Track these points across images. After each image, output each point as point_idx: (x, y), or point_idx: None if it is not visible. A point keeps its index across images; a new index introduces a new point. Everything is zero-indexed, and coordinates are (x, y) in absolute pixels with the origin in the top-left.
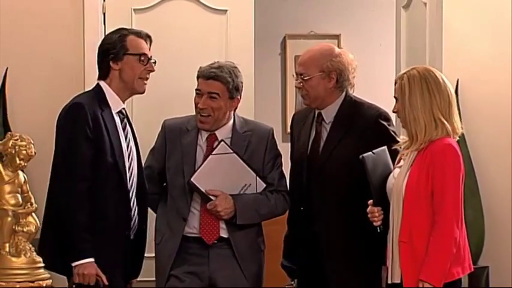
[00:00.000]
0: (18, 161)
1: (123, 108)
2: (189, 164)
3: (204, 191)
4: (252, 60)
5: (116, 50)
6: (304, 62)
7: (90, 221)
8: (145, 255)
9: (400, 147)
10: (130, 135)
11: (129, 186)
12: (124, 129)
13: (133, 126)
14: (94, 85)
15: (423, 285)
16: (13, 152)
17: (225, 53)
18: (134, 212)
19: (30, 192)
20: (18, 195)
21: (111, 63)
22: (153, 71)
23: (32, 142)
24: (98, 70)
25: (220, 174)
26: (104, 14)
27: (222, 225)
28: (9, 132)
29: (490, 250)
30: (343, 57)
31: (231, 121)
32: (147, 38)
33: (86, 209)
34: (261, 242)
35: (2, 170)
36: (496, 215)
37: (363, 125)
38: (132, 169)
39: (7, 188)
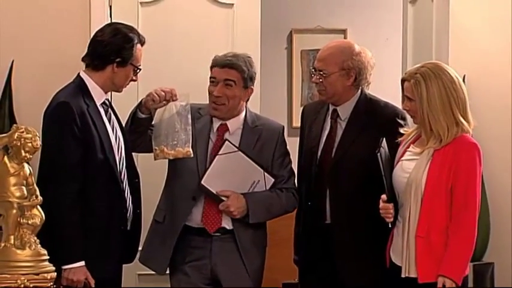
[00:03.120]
0: (23, 153)
1: (106, 99)
2: (201, 148)
3: (215, 192)
4: (258, 54)
5: (126, 56)
6: (324, 58)
7: (82, 222)
8: None
9: (406, 140)
10: (116, 125)
11: (121, 178)
12: (109, 120)
13: (117, 114)
14: (75, 76)
15: (444, 280)
16: (19, 144)
17: (231, 46)
18: (129, 202)
19: (35, 185)
20: (24, 188)
21: (114, 65)
22: (135, 80)
23: (38, 135)
24: (91, 58)
25: (229, 173)
26: (111, 6)
27: (226, 216)
28: (15, 125)
29: (496, 246)
30: (363, 55)
31: (243, 113)
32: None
33: (78, 210)
34: (264, 238)
35: (7, 162)
36: (502, 210)
37: (380, 123)
38: (122, 159)
39: (12, 180)
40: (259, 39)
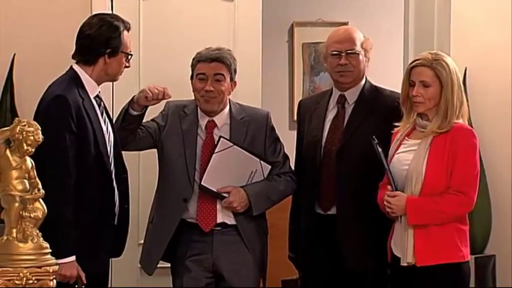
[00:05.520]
0: (25, 147)
1: (99, 92)
2: (190, 147)
3: (215, 190)
4: (260, 47)
5: (115, 45)
6: (349, 38)
7: (76, 217)
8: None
9: (399, 134)
10: (107, 118)
11: (111, 171)
12: (102, 114)
13: (106, 107)
14: (68, 68)
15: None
16: (20, 137)
17: (233, 40)
18: (116, 196)
19: (37, 178)
20: (26, 181)
21: (106, 57)
22: (129, 67)
23: (39, 128)
24: (80, 54)
25: (227, 169)
26: (112, 1)
27: (229, 212)
28: (17, 118)
29: (497, 239)
30: (368, 38)
31: (228, 107)
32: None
33: (72, 205)
34: (265, 226)
35: (9, 155)
36: (503, 203)
37: (386, 107)
38: (112, 153)
39: (14, 173)
40: (261, 32)
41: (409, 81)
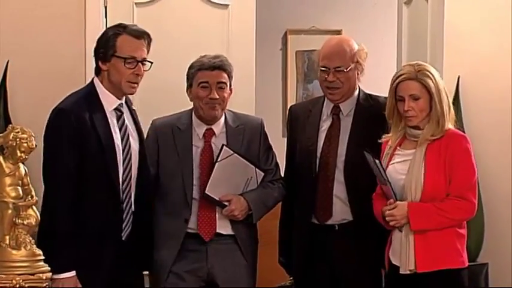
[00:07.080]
0: (19, 154)
1: (121, 104)
2: (187, 166)
3: (217, 199)
4: (253, 55)
5: (104, 49)
6: (339, 54)
7: (75, 230)
8: None
9: (389, 145)
10: (131, 131)
11: (122, 186)
12: (121, 127)
13: (137, 120)
14: (90, 80)
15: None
16: (14, 144)
17: (227, 47)
18: (127, 213)
19: (30, 185)
20: (19, 188)
21: (99, 62)
22: (141, 74)
23: (33, 135)
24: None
25: (227, 177)
26: (106, 7)
27: (226, 222)
28: (10, 125)
29: (490, 247)
30: (362, 48)
31: (223, 115)
32: (145, 37)
33: (72, 218)
34: (256, 233)
35: (3, 162)
36: (496, 211)
37: (383, 115)
38: (131, 167)
39: (8, 180)
40: (254, 40)
41: (396, 97)
